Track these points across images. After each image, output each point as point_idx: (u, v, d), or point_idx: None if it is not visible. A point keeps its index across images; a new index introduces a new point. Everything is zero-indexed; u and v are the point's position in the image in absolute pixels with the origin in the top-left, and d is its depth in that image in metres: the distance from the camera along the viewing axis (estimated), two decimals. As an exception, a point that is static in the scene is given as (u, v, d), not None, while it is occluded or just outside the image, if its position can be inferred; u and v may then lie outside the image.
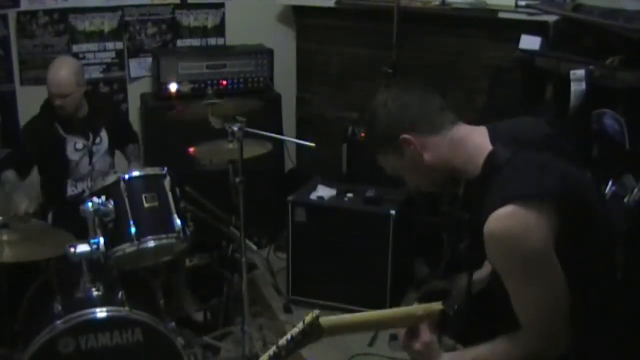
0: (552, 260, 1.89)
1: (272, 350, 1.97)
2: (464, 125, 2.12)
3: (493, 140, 2.03)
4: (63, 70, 3.96)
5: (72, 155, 4.07)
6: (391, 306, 4.20)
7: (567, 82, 3.60)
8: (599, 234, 2.02)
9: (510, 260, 1.91)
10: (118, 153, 4.39)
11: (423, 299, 2.28)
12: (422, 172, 2.11)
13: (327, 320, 2.02)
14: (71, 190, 4.12)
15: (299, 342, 1.96)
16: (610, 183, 3.24)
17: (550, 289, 1.91)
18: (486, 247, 1.91)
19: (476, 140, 2.05)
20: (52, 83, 3.95)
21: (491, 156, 2.00)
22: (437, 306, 2.19)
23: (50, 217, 4.00)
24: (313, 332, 1.97)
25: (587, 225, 1.97)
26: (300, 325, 1.95)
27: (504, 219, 1.87)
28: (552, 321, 1.93)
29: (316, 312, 1.96)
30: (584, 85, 3.54)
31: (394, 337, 4.04)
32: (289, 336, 1.96)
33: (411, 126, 2.06)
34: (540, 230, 1.86)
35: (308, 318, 1.96)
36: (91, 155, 4.13)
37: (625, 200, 3.16)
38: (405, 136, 2.05)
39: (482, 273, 2.20)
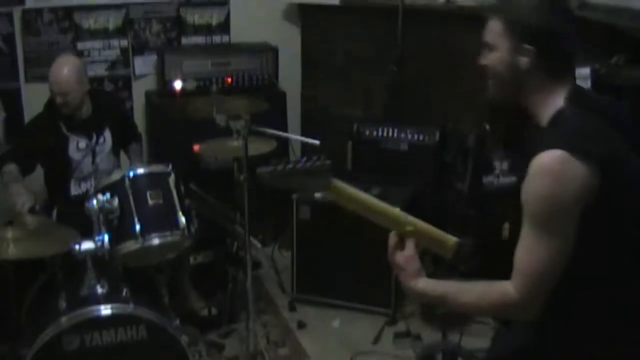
0: (573, 222, 1.95)
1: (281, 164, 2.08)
2: (569, 81, 2.13)
3: (568, 100, 2.08)
4: (64, 68, 3.95)
5: (74, 154, 4.07)
6: (395, 305, 4.21)
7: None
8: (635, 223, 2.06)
9: (540, 199, 1.97)
10: (123, 154, 4.39)
11: None
12: (505, 75, 2.13)
13: (339, 182, 2.19)
14: (74, 190, 4.11)
15: (303, 171, 2.08)
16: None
17: (555, 247, 1.96)
18: (526, 180, 1.99)
19: (559, 96, 2.08)
20: (52, 80, 3.94)
21: (558, 113, 2.06)
22: (450, 237, 2.23)
23: (54, 214, 4.00)
24: (319, 178, 2.12)
25: (625, 206, 2.02)
26: (314, 161, 2.08)
27: (550, 158, 1.94)
28: (542, 282, 1.98)
29: (328, 162, 2.10)
30: (589, 83, 3.54)
31: (398, 335, 4.05)
32: (301, 161, 2.08)
33: (546, 53, 2.07)
34: (576, 183, 1.93)
35: (320, 163, 2.09)
36: (94, 154, 4.12)
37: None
38: (534, 51, 2.06)
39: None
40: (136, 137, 4.51)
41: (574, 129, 2.00)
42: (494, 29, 2.12)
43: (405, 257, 2.17)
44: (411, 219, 2.22)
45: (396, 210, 2.25)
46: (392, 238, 2.21)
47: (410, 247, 2.17)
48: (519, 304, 2.00)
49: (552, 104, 2.08)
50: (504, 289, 2.02)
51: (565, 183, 1.92)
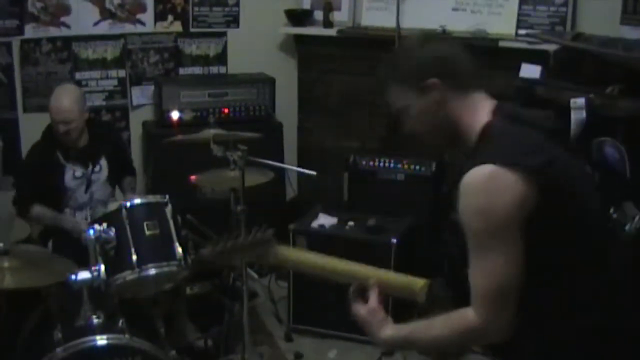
0: (514, 232, 1.90)
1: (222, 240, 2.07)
2: (484, 95, 2.12)
3: (494, 114, 2.06)
4: (66, 97, 3.98)
5: (70, 182, 4.07)
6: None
7: (567, 110, 3.61)
8: (585, 226, 2.01)
9: (475, 216, 1.93)
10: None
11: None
12: (431, 120, 2.10)
13: (284, 248, 2.11)
14: (69, 219, 4.13)
15: (242, 246, 2.06)
16: (611, 210, 3.24)
17: (503, 261, 1.91)
18: (459, 200, 1.94)
19: (482, 111, 2.07)
20: (55, 110, 3.96)
21: (486, 127, 2.03)
22: (418, 280, 2.19)
23: (50, 244, 3.99)
24: (263, 248, 2.07)
25: (569, 213, 1.98)
26: (255, 233, 2.04)
27: (481, 174, 1.91)
28: (499, 299, 1.93)
29: (270, 231, 2.05)
30: (583, 114, 3.55)
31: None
32: (241, 238, 2.05)
33: (445, 74, 2.07)
34: (512, 197, 1.88)
35: (261, 234, 2.04)
36: (88, 183, 4.13)
37: (626, 227, 3.16)
38: (435, 80, 2.06)
39: None
40: (131, 172, 4.50)
41: (505, 143, 1.98)
42: (394, 93, 2.12)
43: (369, 309, 2.12)
44: (371, 271, 2.17)
45: (353, 266, 2.19)
46: (353, 292, 2.15)
47: (373, 299, 2.13)
48: (483, 326, 1.95)
49: (477, 119, 2.05)
50: (465, 314, 1.97)
51: (497, 195, 1.88)
